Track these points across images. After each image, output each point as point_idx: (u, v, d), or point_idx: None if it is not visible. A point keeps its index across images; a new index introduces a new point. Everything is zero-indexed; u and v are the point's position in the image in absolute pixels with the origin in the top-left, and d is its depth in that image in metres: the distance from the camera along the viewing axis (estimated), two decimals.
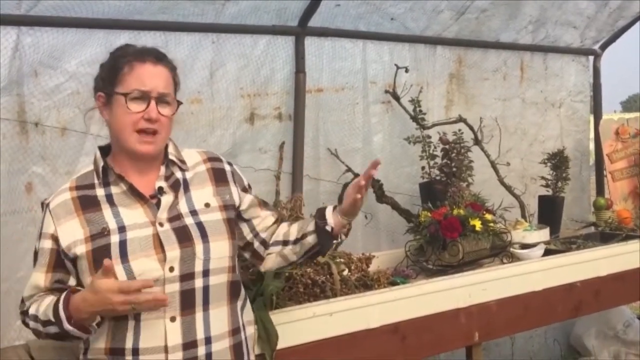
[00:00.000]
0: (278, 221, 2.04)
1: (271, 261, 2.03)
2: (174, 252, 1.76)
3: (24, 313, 1.84)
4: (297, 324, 2.40)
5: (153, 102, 1.77)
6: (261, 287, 2.40)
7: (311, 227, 1.95)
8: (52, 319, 1.73)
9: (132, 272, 1.72)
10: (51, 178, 2.66)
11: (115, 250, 1.73)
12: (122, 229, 1.76)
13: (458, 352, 3.14)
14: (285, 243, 1.98)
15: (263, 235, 2.00)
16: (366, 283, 2.74)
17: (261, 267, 2.06)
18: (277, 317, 2.34)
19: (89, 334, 1.74)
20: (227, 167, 1.96)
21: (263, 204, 2.04)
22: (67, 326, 1.70)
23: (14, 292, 2.50)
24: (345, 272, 2.72)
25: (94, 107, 1.88)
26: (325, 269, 2.63)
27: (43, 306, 1.77)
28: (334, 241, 1.93)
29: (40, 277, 1.81)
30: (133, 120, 1.76)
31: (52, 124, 2.70)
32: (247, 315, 1.95)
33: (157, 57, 1.82)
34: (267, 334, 2.30)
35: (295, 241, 1.97)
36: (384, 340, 2.60)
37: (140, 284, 1.65)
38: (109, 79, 1.80)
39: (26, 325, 1.85)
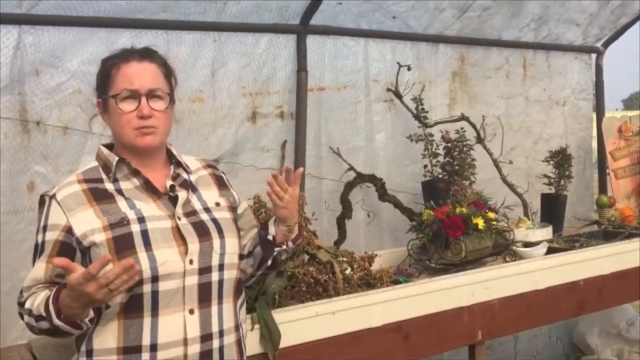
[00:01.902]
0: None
1: None
2: (194, 245, 1.78)
3: (21, 305, 1.82)
4: (300, 323, 2.40)
5: (144, 99, 1.79)
6: (264, 286, 2.39)
7: (257, 238, 1.98)
8: (44, 314, 1.70)
9: (155, 260, 1.73)
10: (53, 177, 2.65)
11: (138, 239, 1.74)
12: (141, 219, 1.77)
13: (461, 351, 3.14)
14: (240, 257, 1.95)
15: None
16: (369, 282, 2.74)
17: None
18: (280, 316, 2.34)
19: (80, 329, 1.71)
20: (224, 176, 2.02)
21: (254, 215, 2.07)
22: (56, 321, 1.68)
23: (16, 291, 2.45)
24: (348, 271, 2.72)
25: (95, 114, 1.88)
26: (328, 267, 2.62)
27: (37, 300, 1.75)
28: (279, 248, 1.94)
29: (42, 268, 1.78)
30: (128, 119, 1.79)
31: (53, 123, 2.70)
32: (243, 314, 1.97)
33: (141, 54, 1.84)
34: (269, 332, 2.29)
35: (248, 254, 1.99)
36: (387, 339, 2.60)
37: (98, 264, 1.56)
38: (101, 85, 1.84)
39: (21, 317, 1.82)
